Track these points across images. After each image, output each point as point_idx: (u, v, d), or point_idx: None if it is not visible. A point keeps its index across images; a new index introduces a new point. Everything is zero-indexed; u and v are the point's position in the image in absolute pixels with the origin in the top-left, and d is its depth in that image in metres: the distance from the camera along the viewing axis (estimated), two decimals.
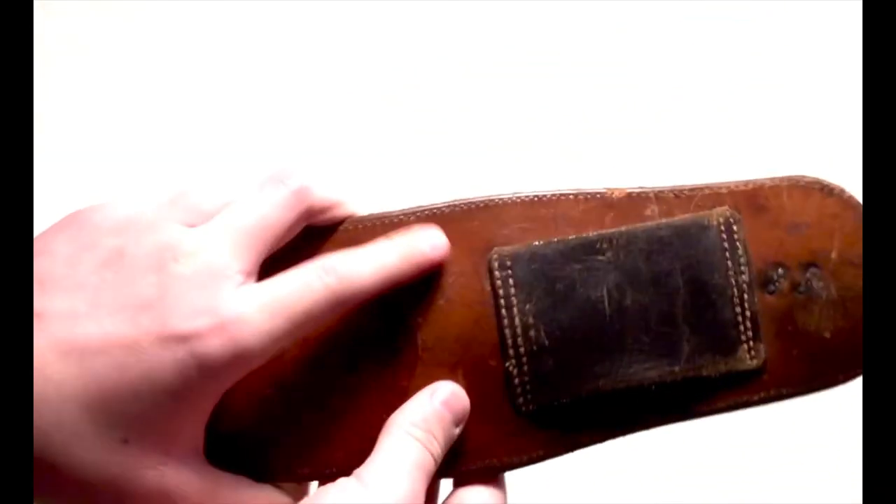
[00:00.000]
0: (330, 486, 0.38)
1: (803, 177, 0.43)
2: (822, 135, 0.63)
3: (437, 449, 0.40)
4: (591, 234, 0.43)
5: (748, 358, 0.42)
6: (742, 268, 0.42)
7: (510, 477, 0.43)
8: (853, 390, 0.56)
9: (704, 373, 0.42)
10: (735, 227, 0.43)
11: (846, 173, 0.61)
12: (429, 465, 0.40)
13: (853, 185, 0.56)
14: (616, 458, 0.57)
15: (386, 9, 0.67)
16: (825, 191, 0.43)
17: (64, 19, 0.67)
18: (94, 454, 0.36)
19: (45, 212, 0.44)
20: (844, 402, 0.56)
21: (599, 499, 0.54)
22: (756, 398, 0.43)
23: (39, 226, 0.43)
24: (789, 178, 0.43)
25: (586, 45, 0.66)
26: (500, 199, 0.44)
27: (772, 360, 0.42)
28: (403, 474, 0.39)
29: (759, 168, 0.45)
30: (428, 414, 0.40)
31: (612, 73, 0.65)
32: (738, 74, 0.65)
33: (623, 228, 0.43)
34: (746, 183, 0.43)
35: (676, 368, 0.42)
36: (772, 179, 0.43)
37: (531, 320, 0.42)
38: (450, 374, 0.42)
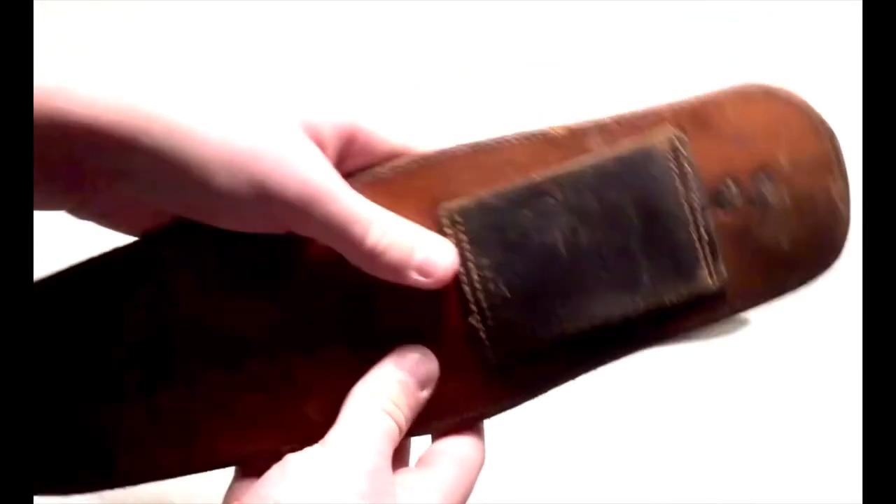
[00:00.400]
0: (296, 454, 0.39)
1: (746, 84, 0.42)
2: None
3: (402, 416, 0.41)
4: (537, 177, 0.42)
5: (709, 279, 0.42)
6: (693, 189, 0.41)
7: (510, 473, 0.43)
8: (853, 391, 0.56)
9: (667, 300, 0.42)
10: (681, 148, 0.41)
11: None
12: (393, 432, 0.40)
13: (853, 187, 0.56)
14: (616, 458, 0.57)
15: (385, 9, 0.67)
16: (768, 94, 0.42)
17: (64, 19, 0.67)
18: None
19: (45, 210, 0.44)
20: (844, 401, 0.57)
21: (598, 499, 0.54)
22: (720, 314, 0.42)
23: (39, 225, 0.43)
24: (731, 88, 0.42)
25: (585, 46, 0.66)
26: (442, 154, 0.43)
27: (732, 277, 0.42)
28: (367, 439, 0.39)
29: None
30: (391, 384, 0.41)
31: (611, 74, 0.65)
32: (736, 75, 0.65)
33: (569, 167, 0.42)
34: (689, 100, 0.42)
35: (639, 300, 0.41)
36: (713, 92, 0.42)
37: (488, 274, 0.42)
38: (416, 334, 0.42)
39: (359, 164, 0.43)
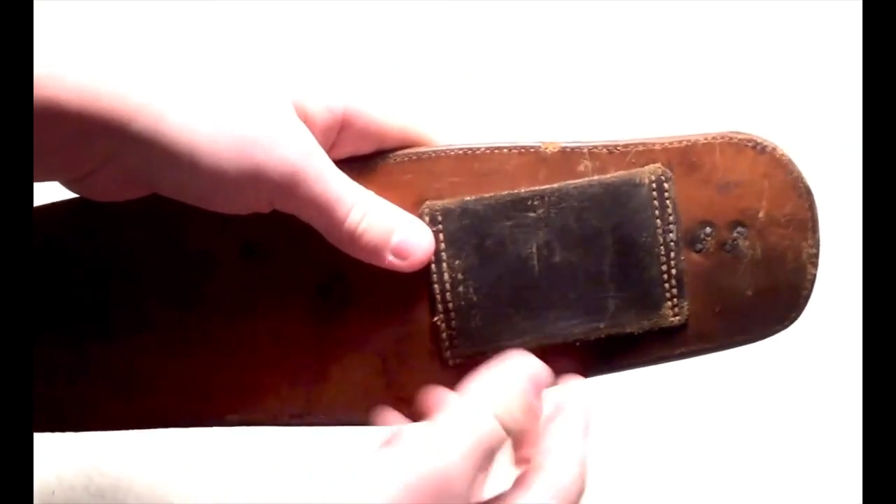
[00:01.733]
0: (408, 428, 0.38)
1: (737, 133, 0.43)
2: (822, 135, 0.63)
3: (513, 424, 0.39)
4: (523, 190, 0.43)
5: (672, 315, 0.43)
6: (671, 226, 0.43)
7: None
8: (853, 391, 0.56)
9: (628, 329, 0.43)
10: (666, 185, 0.43)
11: (846, 173, 0.61)
12: (494, 440, 0.38)
13: (853, 187, 0.56)
14: (616, 457, 0.57)
15: (386, 9, 0.67)
16: (758, 148, 0.43)
17: (64, 19, 0.67)
18: None
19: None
20: (844, 401, 0.56)
21: (598, 499, 0.54)
22: (677, 352, 0.44)
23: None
24: (723, 135, 0.43)
25: (582, 46, 0.66)
26: (433, 152, 0.43)
27: (694, 315, 0.43)
28: (456, 448, 0.37)
29: None
30: (513, 388, 0.39)
31: (610, 74, 0.65)
32: (737, 75, 0.65)
33: (555, 185, 0.43)
34: (681, 140, 0.43)
35: (601, 325, 0.43)
36: (706, 136, 0.43)
37: (460, 276, 0.43)
38: (382, 326, 0.43)
39: (352, 149, 0.43)
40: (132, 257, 0.44)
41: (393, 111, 0.43)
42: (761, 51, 0.65)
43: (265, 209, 0.41)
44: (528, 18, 0.66)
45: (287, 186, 0.39)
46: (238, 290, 0.43)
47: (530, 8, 0.66)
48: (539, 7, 0.66)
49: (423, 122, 0.44)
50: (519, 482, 0.39)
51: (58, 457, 0.57)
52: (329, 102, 0.41)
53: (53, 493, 0.56)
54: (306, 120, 0.41)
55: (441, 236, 0.43)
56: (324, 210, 0.40)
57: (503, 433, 0.38)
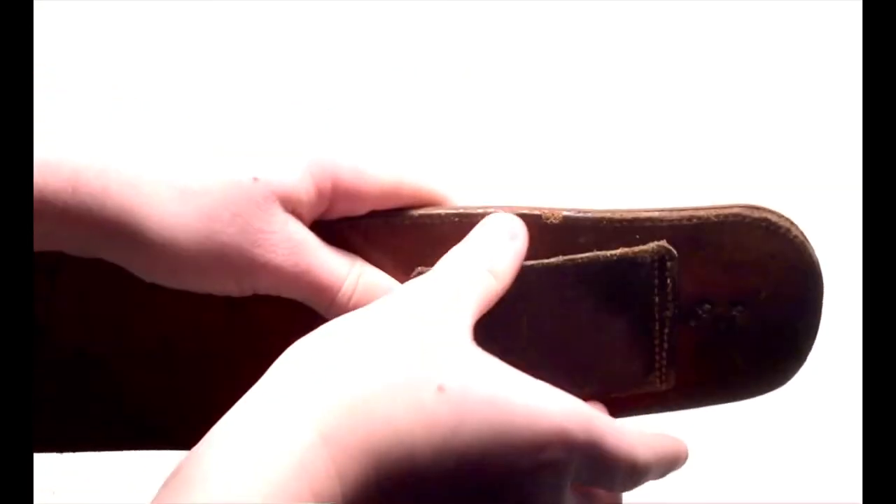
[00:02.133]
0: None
1: (751, 212, 0.42)
2: (822, 135, 0.63)
3: (500, 269, 0.39)
4: (524, 263, 0.41)
5: (658, 383, 0.42)
6: (668, 304, 0.41)
7: None
8: (852, 391, 0.56)
9: (613, 395, 0.42)
10: (669, 264, 0.41)
11: (846, 174, 0.61)
12: (484, 288, 0.39)
13: (852, 188, 0.55)
14: None
15: (386, 9, 0.67)
16: (770, 230, 0.41)
17: (64, 19, 0.67)
18: None
19: None
20: (844, 401, 0.56)
21: None
22: (656, 409, 0.43)
23: None
24: (735, 214, 0.41)
25: (582, 46, 0.66)
26: (430, 219, 0.42)
27: (680, 382, 0.42)
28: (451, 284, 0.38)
29: (760, 173, 0.46)
30: (482, 241, 0.40)
31: (610, 73, 0.65)
32: (736, 76, 0.65)
33: (554, 261, 0.41)
34: (690, 217, 0.42)
35: (586, 390, 0.41)
36: (717, 214, 0.42)
37: None
38: None
39: (351, 209, 0.42)
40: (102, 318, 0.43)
41: (383, 169, 0.42)
42: (763, 63, 0.65)
43: (247, 293, 0.41)
44: (528, 18, 0.66)
45: (275, 288, 0.40)
46: (218, 349, 0.43)
47: (530, 8, 0.66)
48: (539, 7, 0.66)
49: (415, 174, 0.43)
50: None
51: (58, 457, 0.57)
52: (316, 180, 0.40)
53: (53, 493, 0.56)
54: (294, 206, 0.40)
55: None
56: (314, 296, 0.40)
57: (493, 279, 0.38)
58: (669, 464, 0.39)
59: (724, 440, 0.56)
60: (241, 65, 0.65)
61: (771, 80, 0.64)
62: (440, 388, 0.33)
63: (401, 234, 0.42)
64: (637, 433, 0.37)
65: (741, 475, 0.56)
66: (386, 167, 0.42)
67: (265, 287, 0.40)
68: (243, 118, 0.66)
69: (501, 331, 0.41)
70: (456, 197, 0.43)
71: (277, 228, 0.39)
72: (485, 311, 0.38)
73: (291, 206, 0.40)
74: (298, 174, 0.40)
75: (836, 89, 0.63)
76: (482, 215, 0.42)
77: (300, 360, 0.35)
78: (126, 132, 0.40)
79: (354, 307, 0.39)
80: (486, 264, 0.38)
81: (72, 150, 0.38)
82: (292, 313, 0.41)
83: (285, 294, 0.40)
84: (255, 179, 0.39)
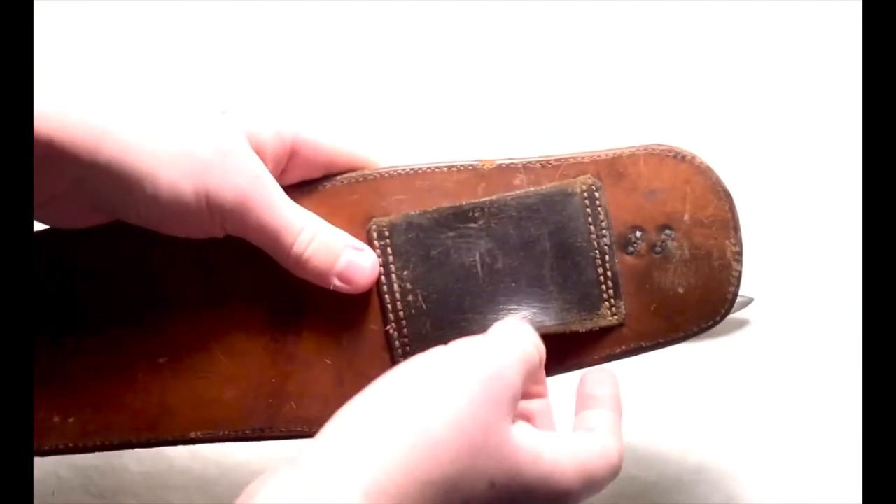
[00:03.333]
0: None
1: (658, 145, 0.46)
2: (821, 136, 0.63)
3: (539, 356, 0.43)
4: (464, 203, 0.46)
5: (610, 315, 0.46)
6: (603, 231, 0.46)
7: None
8: (853, 391, 0.56)
9: (573, 328, 0.46)
10: (597, 194, 0.46)
11: (845, 173, 0.61)
12: (532, 360, 0.42)
13: (853, 187, 0.56)
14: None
15: (386, 9, 0.67)
16: (678, 157, 0.46)
17: (63, 18, 0.67)
18: None
19: None
20: (844, 401, 0.56)
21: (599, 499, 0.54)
22: (619, 351, 0.47)
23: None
24: (645, 147, 0.46)
25: (582, 46, 0.66)
26: (378, 173, 0.46)
27: (631, 315, 0.46)
28: (504, 347, 0.41)
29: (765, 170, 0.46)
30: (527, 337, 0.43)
31: (610, 73, 0.65)
32: (734, 75, 0.65)
33: (493, 197, 0.46)
34: (607, 152, 0.46)
35: (548, 323, 0.45)
36: (629, 148, 0.46)
37: (409, 286, 0.46)
38: (335, 339, 0.46)
39: (302, 174, 0.46)
40: (87, 274, 0.46)
41: (340, 138, 0.46)
42: (754, 57, 0.65)
43: (219, 234, 0.43)
44: (528, 18, 0.66)
45: (238, 212, 0.42)
46: (193, 308, 0.46)
47: (530, 8, 0.66)
48: (538, 7, 0.66)
49: (369, 147, 0.47)
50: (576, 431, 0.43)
51: (58, 457, 0.56)
52: (280, 130, 0.44)
53: (53, 493, 0.56)
54: (258, 148, 0.43)
55: (389, 250, 0.46)
56: (271, 236, 0.43)
57: (538, 357, 0.42)
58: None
59: (724, 440, 0.56)
60: (241, 65, 0.65)
61: (770, 69, 0.64)
62: (491, 484, 0.37)
63: (353, 191, 0.46)
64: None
65: (742, 475, 0.56)
66: (342, 138, 0.46)
67: (232, 219, 0.42)
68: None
69: (460, 274, 0.45)
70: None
71: (244, 154, 0.42)
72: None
73: (256, 145, 0.43)
74: (265, 120, 0.44)
75: (835, 79, 0.63)
76: (427, 170, 0.46)
77: (352, 429, 0.37)
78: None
79: (308, 261, 0.43)
80: (523, 370, 0.41)
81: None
82: (257, 276, 0.45)
83: (250, 232, 0.43)
84: (224, 112, 0.43)
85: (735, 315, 0.58)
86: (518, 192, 0.46)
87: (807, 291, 0.59)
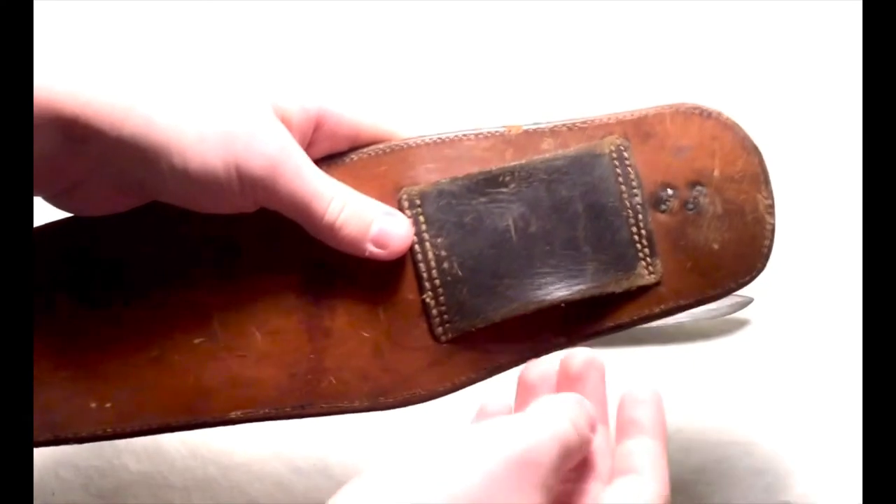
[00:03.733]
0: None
1: (683, 103, 0.46)
2: (821, 136, 0.63)
3: (580, 437, 0.39)
4: (494, 168, 0.45)
5: (647, 273, 0.46)
6: (635, 190, 0.46)
7: None
8: (853, 392, 0.56)
9: (609, 289, 0.45)
10: (626, 154, 0.46)
11: (846, 174, 0.61)
12: (573, 443, 0.39)
13: (853, 185, 0.56)
14: None
15: (384, 9, 0.67)
16: (703, 114, 0.46)
17: (63, 19, 0.67)
18: None
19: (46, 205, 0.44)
20: (844, 401, 0.56)
21: None
22: (658, 310, 0.46)
23: (40, 217, 0.43)
24: (670, 105, 0.46)
25: (581, 46, 0.66)
26: (406, 143, 0.46)
27: (668, 273, 0.46)
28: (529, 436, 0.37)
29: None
30: (575, 406, 0.40)
31: (609, 74, 0.65)
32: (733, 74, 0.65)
33: (523, 161, 0.45)
34: (633, 112, 0.46)
35: (584, 286, 0.45)
36: (655, 108, 0.46)
37: (443, 253, 0.45)
38: (371, 311, 0.45)
39: (328, 147, 0.45)
40: (118, 256, 0.45)
41: (364, 110, 0.46)
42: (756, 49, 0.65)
43: (250, 208, 0.42)
44: (529, 18, 0.66)
45: (267, 181, 0.41)
46: (226, 288, 0.45)
47: (530, 8, 0.66)
48: (539, 7, 0.66)
49: (393, 119, 0.46)
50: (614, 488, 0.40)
51: (58, 457, 0.56)
52: (304, 103, 0.44)
53: (53, 493, 0.56)
54: (283, 120, 0.43)
55: (421, 218, 0.45)
56: (303, 204, 0.42)
57: (578, 438, 0.39)
58: None
59: (725, 440, 0.56)
60: (239, 66, 0.65)
61: (770, 70, 0.64)
62: None
63: (381, 162, 0.45)
64: None
65: (742, 475, 0.56)
66: (367, 110, 0.45)
67: (263, 189, 0.41)
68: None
69: (494, 239, 0.45)
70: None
71: (271, 125, 0.42)
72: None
73: (281, 117, 0.42)
74: (290, 93, 0.43)
75: (834, 79, 0.63)
76: (454, 138, 0.46)
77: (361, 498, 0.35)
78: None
79: (342, 228, 0.43)
80: (559, 452, 0.38)
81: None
82: (288, 253, 0.45)
83: (282, 202, 0.42)
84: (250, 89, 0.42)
85: (735, 315, 0.58)
86: (546, 155, 0.45)
87: (807, 291, 0.59)
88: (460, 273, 0.45)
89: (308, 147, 0.44)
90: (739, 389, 0.57)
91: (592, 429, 0.40)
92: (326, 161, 0.45)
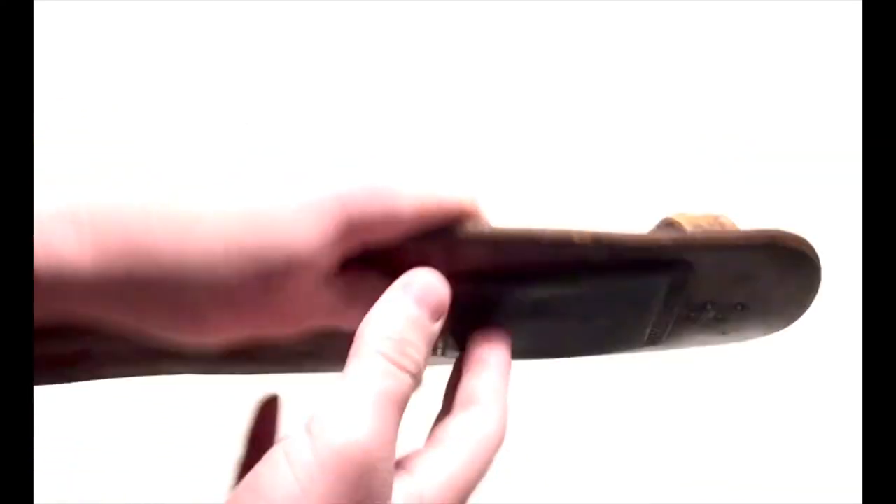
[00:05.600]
0: (275, 450, 0.34)
1: (781, 239, 0.40)
2: (821, 136, 0.63)
3: (414, 366, 0.36)
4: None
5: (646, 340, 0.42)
6: (675, 308, 0.41)
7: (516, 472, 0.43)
8: (853, 392, 0.56)
9: (610, 353, 0.43)
10: (686, 277, 0.40)
11: (845, 174, 0.61)
12: (401, 392, 0.35)
13: (853, 184, 0.56)
14: (616, 456, 0.57)
15: (385, 8, 0.67)
16: (800, 262, 0.41)
17: (63, 18, 0.67)
18: None
19: None
20: (844, 401, 0.57)
21: (600, 498, 0.54)
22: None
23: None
24: (766, 244, 0.40)
25: (582, 47, 0.66)
26: (503, 233, 0.38)
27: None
28: (365, 413, 0.34)
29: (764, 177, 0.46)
30: (401, 322, 0.36)
31: (610, 73, 0.65)
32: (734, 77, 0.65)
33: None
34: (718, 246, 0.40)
35: (595, 351, 0.42)
36: (746, 235, 0.40)
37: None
38: None
39: (383, 238, 0.37)
40: None
41: (409, 185, 0.38)
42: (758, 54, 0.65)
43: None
44: (529, 18, 0.66)
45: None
46: None
47: (530, 8, 0.66)
48: (540, 7, 0.66)
49: (451, 188, 0.38)
50: (439, 433, 0.38)
51: (58, 458, 0.57)
52: (335, 217, 0.37)
53: (53, 493, 0.56)
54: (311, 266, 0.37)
55: None
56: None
57: (410, 381, 0.36)
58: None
59: (725, 441, 0.56)
60: (239, 67, 0.65)
61: (770, 70, 0.64)
62: None
63: (428, 255, 0.37)
64: None
65: (742, 475, 0.56)
66: (411, 182, 0.37)
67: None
68: (241, 120, 0.66)
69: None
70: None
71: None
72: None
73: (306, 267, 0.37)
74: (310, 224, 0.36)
75: (834, 80, 0.64)
76: (560, 238, 0.38)
77: None
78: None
79: None
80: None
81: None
82: None
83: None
84: (246, 124, 0.39)
85: None
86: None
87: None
88: None
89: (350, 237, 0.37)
90: (739, 389, 0.57)
91: (438, 317, 0.37)
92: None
